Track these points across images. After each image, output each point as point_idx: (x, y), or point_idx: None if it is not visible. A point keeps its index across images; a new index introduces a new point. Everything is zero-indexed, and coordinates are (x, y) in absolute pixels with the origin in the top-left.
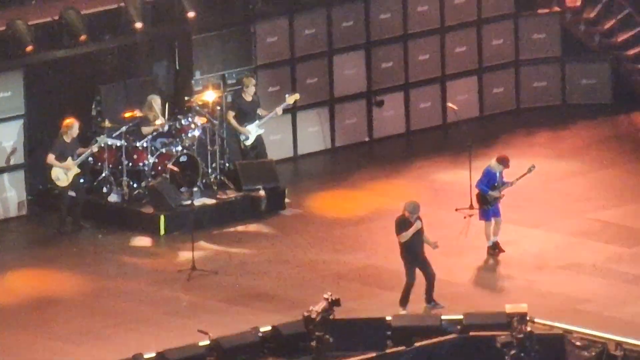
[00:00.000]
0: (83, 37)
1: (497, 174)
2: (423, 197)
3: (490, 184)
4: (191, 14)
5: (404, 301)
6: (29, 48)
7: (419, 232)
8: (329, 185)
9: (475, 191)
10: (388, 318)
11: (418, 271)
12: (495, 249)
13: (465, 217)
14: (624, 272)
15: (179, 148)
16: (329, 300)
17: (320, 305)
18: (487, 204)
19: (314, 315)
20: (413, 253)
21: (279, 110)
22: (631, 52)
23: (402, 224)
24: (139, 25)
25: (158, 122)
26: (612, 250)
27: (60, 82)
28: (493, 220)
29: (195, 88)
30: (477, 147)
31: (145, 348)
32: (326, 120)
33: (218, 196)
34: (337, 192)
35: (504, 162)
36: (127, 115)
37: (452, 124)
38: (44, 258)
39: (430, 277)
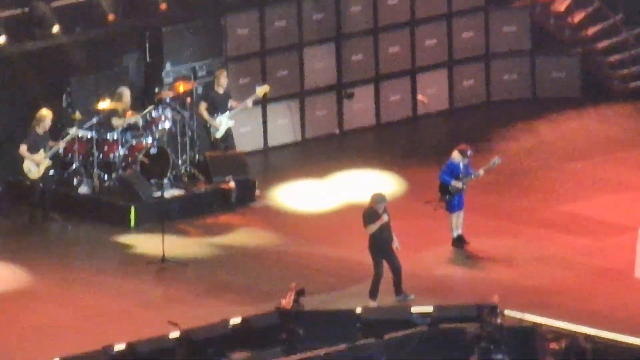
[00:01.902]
0: (56, 29)
1: (460, 166)
2: (393, 189)
3: (453, 175)
4: (163, 6)
5: (374, 294)
6: (1, 40)
7: (387, 225)
8: (299, 177)
9: (438, 182)
10: (358, 310)
11: (386, 264)
12: (460, 241)
13: (435, 209)
14: (593, 264)
15: (150, 140)
16: (295, 290)
17: (290, 296)
18: (449, 194)
19: (289, 307)
20: (380, 245)
21: (249, 102)
22: (601, 45)
23: (370, 215)
24: (111, 16)
25: (132, 118)
26: (581, 242)
27: (30, 74)
28: (457, 213)
29: (166, 80)
30: (447, 139)
31: (115, 340)
32: (296, 113)
33: (188, 188)
34: (307, 184)
35: (463, 153)
36: (101, 106)
37: (422, 116)
38: (14, 249)
39: (396, 270)
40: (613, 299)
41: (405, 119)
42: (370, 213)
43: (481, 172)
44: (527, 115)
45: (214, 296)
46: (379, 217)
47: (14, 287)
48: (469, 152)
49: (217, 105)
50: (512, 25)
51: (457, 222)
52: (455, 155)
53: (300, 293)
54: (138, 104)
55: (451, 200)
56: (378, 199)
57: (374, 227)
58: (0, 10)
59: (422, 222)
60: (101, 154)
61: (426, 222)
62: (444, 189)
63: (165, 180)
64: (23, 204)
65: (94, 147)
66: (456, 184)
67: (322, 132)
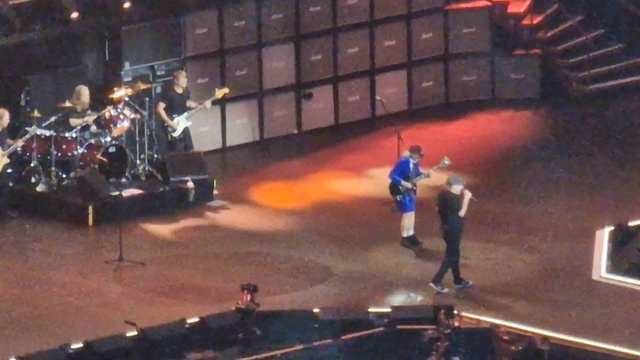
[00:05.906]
0: (17, 26)
1: (411, 165)
2: (351, 190)
3: (403, 174)
4: (127, 4)
5: (458, 279)
6: None
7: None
8: (258, 177)
9: (389, 181)
10: (315, 310)
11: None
12: (413, 242)
13: (393, 211)
14: (550, 266)
15: (108, 139)
16: (249, 288)
17: (246, 296)
18: (399, 194)
19: (252, 307)
20: (460, 230)
21: (207, 103)
22: (560, 47)
23: (454, 199)
24: (74, 15)
25: (91, 117)
26: (537, 244)
27: None
28: (410, 213)
29: (125, 79)
30: (405, 140)
31: (72, 338)
32: (255, 113)
33: (146, 187)
34: (265, 184)
35: (416, 151)
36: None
37: (381, 117)
38: None
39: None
40: (570, 301)
41: (364, 120)
42: (451, 197)
43: (431, 172)
44: (486, 116)
45: (172, 295)
46: (461, 198)
47: None
48: (421, 152)
49: (176, 105)
50: (472, 26)
51: (409, 223)
52: (406, 154)
53: (253, 290)
54: (97, 103)
55: (402, 200)
56: (455, 179)
57: (464, 210)
58: None
59: (378, 222)
60: (59, 153)
61: (382, 222)
62: (395, 188)
63: (124, 180)
64: None
65: (52, 145)
66: (406, 184)
67: (281, 132)
